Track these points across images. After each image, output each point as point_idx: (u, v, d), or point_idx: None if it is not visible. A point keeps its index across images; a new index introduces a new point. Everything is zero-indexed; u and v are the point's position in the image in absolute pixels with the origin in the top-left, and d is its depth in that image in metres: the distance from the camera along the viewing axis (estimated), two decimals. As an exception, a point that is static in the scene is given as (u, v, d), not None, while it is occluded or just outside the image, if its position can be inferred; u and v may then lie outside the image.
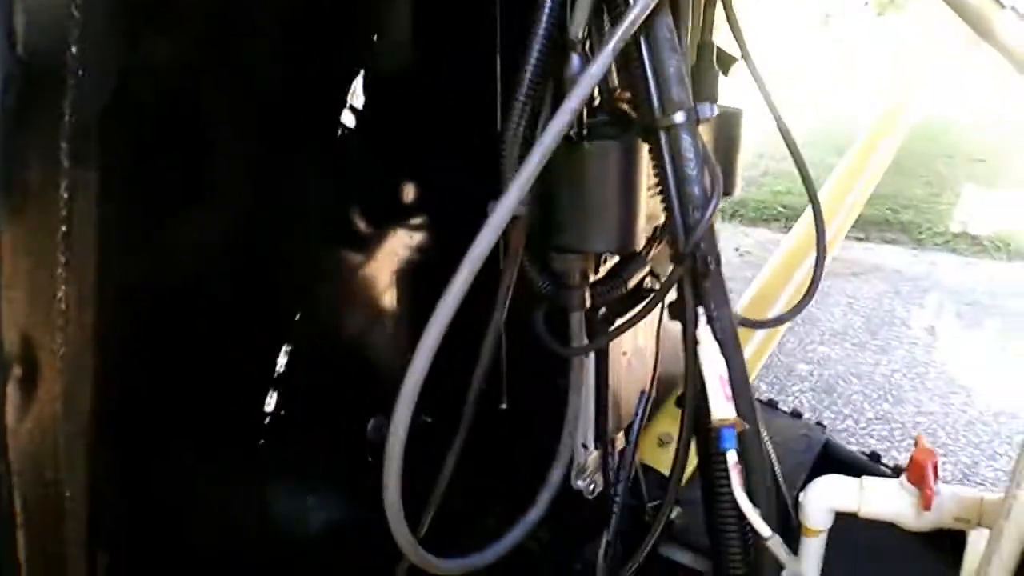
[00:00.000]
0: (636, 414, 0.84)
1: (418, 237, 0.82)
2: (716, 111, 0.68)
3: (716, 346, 0.64)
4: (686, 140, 0.64)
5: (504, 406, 0.96)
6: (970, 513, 0.99)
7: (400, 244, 0.81)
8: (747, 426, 0.64)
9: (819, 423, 1.64)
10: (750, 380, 1.00)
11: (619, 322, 0.79)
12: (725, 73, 1.12)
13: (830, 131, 6.71)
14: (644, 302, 0.73)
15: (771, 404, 1.68)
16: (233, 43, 0.62)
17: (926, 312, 4.18)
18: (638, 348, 0.95)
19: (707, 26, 0.95)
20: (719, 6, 1.08)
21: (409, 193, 0.80)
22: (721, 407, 0.63)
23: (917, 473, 1.00)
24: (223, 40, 0.62)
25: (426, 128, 0.79)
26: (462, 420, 0.76)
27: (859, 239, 5.33)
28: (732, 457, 0.62)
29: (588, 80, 0.61)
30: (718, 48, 1.11)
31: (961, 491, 1.03)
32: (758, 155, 6.84)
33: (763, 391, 3.23)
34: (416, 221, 0.82)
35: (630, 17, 0.61)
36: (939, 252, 5.11)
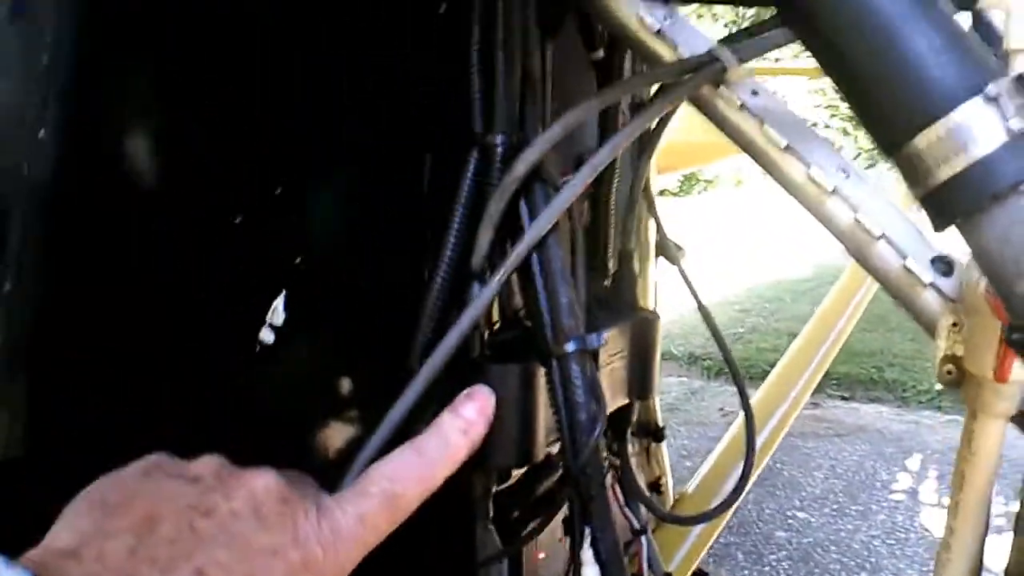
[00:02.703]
0: (547, 620, 0.86)
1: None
2: (605, 339, 0.73)
3: (597, 568, 0.67)
4: (575, 369, 0.68)
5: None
6: None
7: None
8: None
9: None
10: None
11: (525, 532, 0.82)
12: (673, 263, 1.18)
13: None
14: (542, 515, 0.76)
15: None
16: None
17: (908, 474, 4.17)
18: (557, 545, 0.98)
19: (627, 235, 1.01)
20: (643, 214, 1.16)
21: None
22: (599, 632, 0.65)
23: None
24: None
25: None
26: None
27: (844, 398, 5.35)
28: None
29: (477, 306, 0.66)
30: (666, 239, 1.18)
31: None
32: (744, 311, 6.93)
33: (740, 560, 3.21)
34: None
35: (518, 250, 0.67)
36: (923, 410, 5.12)
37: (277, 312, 0.77)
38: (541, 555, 0.97)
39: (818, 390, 5.22)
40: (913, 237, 0.72)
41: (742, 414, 1.09)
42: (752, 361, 5.65)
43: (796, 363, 2.24)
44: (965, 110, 0.46)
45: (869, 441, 4.54)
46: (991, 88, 0.46)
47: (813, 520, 3.62)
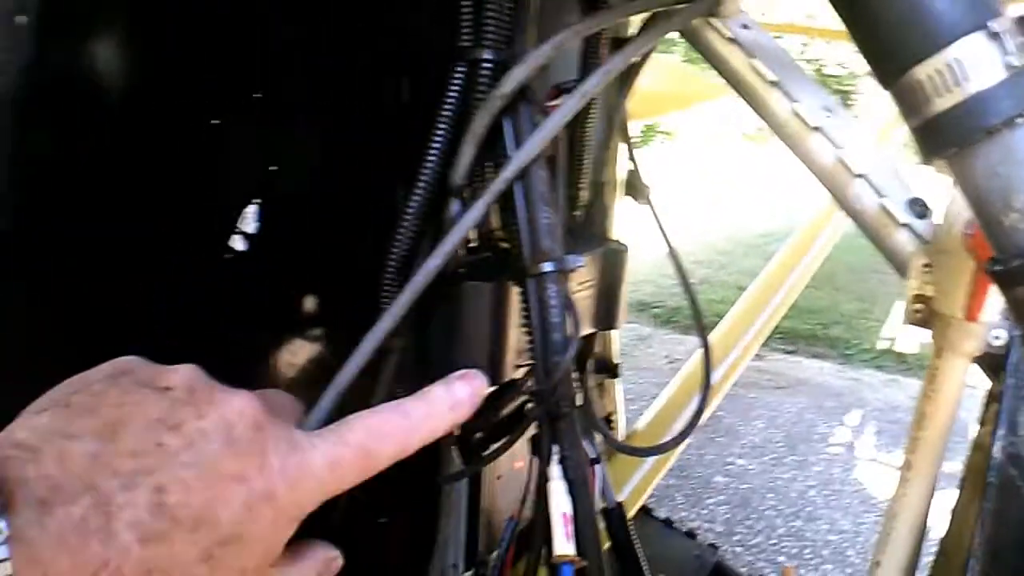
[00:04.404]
0: (503, 539, 0.87)
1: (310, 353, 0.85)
2: (583, 262, 0.73)
3: (564, 485, 0.68)
4: (551, 289, 0.68)
5: (383, 520, 0.98)
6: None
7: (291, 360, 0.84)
8: (586, 563, 0.67)
9: (712, 544, 1.68)
10: (625, 508, 1.03)
11: (491, 449, 0.82)
12: (637, 200, 1.18)
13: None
14: (507, 436, 0.77)
15: (667, 523, 1.72)
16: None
17: (847, 429, 4.25)
18: (513, 471, 0.99)
19: (601, 167, 1.01)
20: (618, 147, 1.15)
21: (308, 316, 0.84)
22: (561, 544, 0.66)
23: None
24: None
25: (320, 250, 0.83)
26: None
27: (787, 352, 5.43)
28: (568, 593, 0.66)
29: (462, 228, 0.66)
30: (635, 176, 1.18)
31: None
32: (695, 262, 6.99)
33: (679, 502, 3.27)
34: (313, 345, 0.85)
35: (505, 174, 0.67)
36: (865, 368, 5.21)
37: (248, 219, 0.76)
38: (499, 477, 0.98)
39: (762, 343, 5.32)
40: (891, 178, 0.73)
41: (689, 359, 1.11)
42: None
43: (744, 316, 2.27)
44: (967, 43, 0.46)
45: (810, 395, 4.63)
46: (994, 24, 0.47)
47: (752, 468, 3.69)
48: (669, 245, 1.09)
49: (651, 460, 1.54)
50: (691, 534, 1.72)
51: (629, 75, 0.97)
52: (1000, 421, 0.72)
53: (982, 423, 0.76)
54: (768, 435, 4.07)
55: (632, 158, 1.10)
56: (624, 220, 1.42)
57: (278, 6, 0.75)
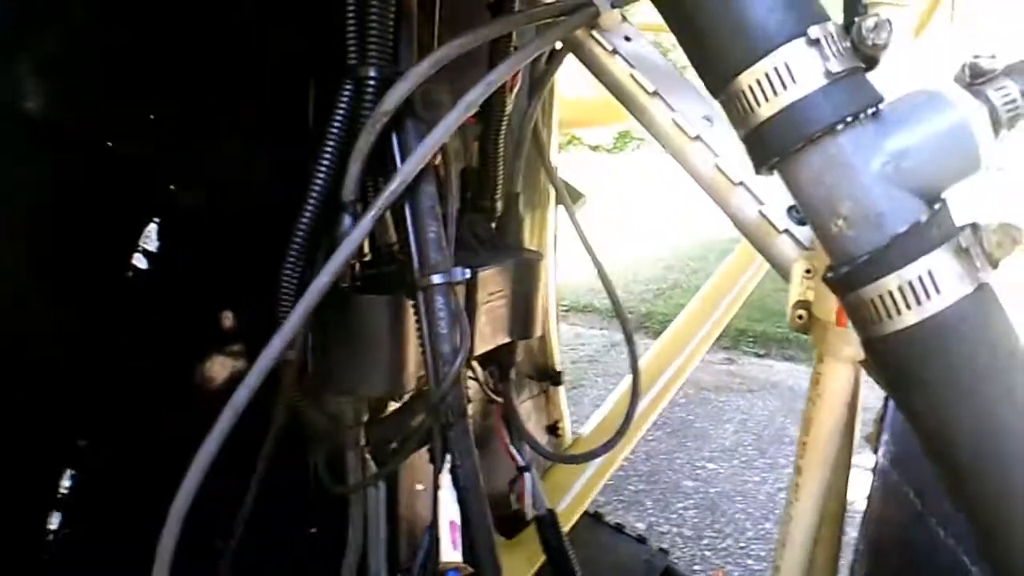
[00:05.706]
0: (420, 548, 0.88)
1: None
2: (468, 274, 0.74)
3: (453, 493, 0.69)
4: (439, 300, 0.70)
5: (313, 530, 0.99)
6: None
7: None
8: (473, 571, 0.68)
9: (662, 549, 1.69)
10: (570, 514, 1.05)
11: (390, 463, 0.84)
12: (568, 210, 1.20)
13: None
14: (406, 445, 0.78)
15: (618, 528, 1.73)
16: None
17: (817, 431, 4.22)
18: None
19: (514, 178, 1.02)
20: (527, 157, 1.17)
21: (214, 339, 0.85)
22: (447, 551, 0.67)
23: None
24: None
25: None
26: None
27: (759, 355, 5.42)
28: (452, 599, 0.67)
29: (349, 245, 0.67)
30: (567, 185, 1.20)
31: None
32: (667, 267, 6.99)
33: (648, 507, 3.27)
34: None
35: (391, 187, 0.68)
36: (836, 371, 5.18)
37: (150, 238, 0.78)
38: (419, 486, 0.99)
39: (733, 346, 5.32)
40: (772, 186, 0.74)
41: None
42: (670, 316, 5.67)
43: (695, 318, 2.28)
44: (786, 51, 0.48)
45: (781, 397, 4.63)
46: (814, 31, 0.48)
47: (721, 471, 3.69)
48: (591, 254, 1.11)
49: (593, 466, 1.55)
50: (641, 539, 1.73)
51: (537, 86, 0.99)
52: (884, 426, 0.74)
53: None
54: (739, 438, 4.07)
55: (548, 168, 1.12)
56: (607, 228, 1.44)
57: (173, 30, 0.76)
